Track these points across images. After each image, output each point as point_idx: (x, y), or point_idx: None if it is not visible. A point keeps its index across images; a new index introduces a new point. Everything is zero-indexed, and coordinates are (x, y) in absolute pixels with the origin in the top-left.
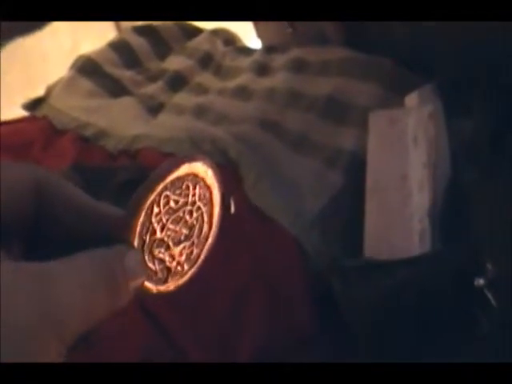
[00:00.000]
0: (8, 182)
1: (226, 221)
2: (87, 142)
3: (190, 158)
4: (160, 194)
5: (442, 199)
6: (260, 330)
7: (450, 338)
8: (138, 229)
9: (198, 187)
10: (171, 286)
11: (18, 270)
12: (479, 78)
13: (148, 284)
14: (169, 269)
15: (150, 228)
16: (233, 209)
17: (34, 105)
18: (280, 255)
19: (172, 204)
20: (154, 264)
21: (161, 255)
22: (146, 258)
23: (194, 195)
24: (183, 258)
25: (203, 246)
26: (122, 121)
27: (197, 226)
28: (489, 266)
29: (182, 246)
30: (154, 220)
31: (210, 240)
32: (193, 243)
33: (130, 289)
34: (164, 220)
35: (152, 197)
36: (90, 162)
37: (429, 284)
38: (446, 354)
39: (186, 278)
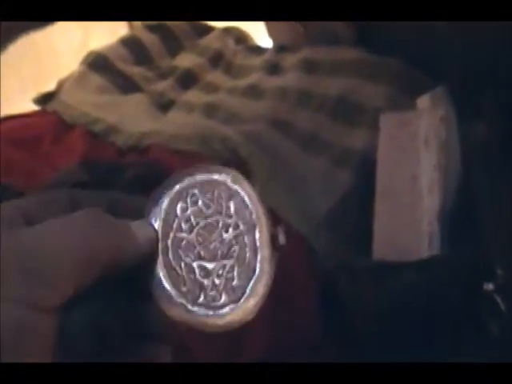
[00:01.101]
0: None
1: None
2: (97, 137)
3: (222, 169)
4: (186, 190)
5: (452, 202)
6: (265, 331)
7: (458, 343)
8: (162, 215)
9: (233, 201)
10: (204, 322)
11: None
12: (490, 80)
13: (180, 299)
14: (200, 284)
15: (176, 221)
16: (282, 239)
17: (44, 99)
18: (288, 255)
19: (202, 206)
20: (180, 267)
21: (189, 260)
22: (171, 254)
23: (228, 208)
24: (220, 280)
25: (248, 279)
26: (131, 117)
27: (236, 249)
28: (498, 271)
29: (217, 263)
30: (179, 213)
31: (257, 274)
32: (233, 268)
33: (137, 236)
34: (193, 221)
35: (178, 186)
36: (100, 157)
37: (437, 287)
38: (453, 359)
39: (223, 311)
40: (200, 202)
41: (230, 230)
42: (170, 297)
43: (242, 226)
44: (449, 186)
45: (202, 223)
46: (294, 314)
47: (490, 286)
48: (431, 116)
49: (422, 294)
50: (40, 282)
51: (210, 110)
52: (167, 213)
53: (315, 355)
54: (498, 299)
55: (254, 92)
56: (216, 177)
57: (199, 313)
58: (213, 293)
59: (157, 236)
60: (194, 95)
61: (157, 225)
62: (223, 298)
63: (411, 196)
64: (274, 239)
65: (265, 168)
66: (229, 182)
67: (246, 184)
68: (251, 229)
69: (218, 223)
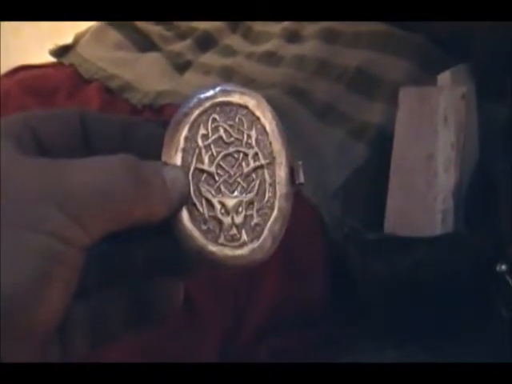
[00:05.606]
0: (55, 115)
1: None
2: (112, 93)
3: (246, 91)
4: (207, 113)
5: (468, 182)
6: (274, 299)
7: (466, 322)
8: (182, 144)
9: (254, 129)
10: (224, 251)
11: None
12: None
13: (200, 238)
14: (220, 222)
15: (197, 151)
16: (301, 176)
17: (61, 52)
18: (299, 225)
19: (222, 134)
20: (201, 203)
21: (209, 196)
22: (192, 190)
23: (249, 137)
24: (240, 218)
25: (267, 217)
26: (148, 75)
27: (256, 183)
28: None
29: (237, 199)
30: (200, 142)
31: (275, 212)
32: (252, 204)
33: (170, 193)
34: (214, 151)
35: (197, 111)
36: (114, 113)
37: (448, 265)
38: (460, 339)
39: (243, 251)
40: (221, 130)
41: (251, 161)
42: (190, 236)
43: (262, 159)
44: (465, 166)
45: (222, 154)
46: (302, 283)
47: (502, 267)
48: (452, 93)
49: (432, 270)
50: (72, 220)
51: (226, 74)
52: (187, 141)
53: (323, 327)
54: (511, 281)
55: (271, 58)
56: (238, 100)
57: (219, 252)
58: (234, 231)
59: (188, 189)
60: (211, 58)
61: (177, 156)
62: (243, 237)
63: (426, 173)
64: (293, 176)
65: None
66: (251, 106)
67: (268, 111)
68: (271, 162)
69: (238, 156)
